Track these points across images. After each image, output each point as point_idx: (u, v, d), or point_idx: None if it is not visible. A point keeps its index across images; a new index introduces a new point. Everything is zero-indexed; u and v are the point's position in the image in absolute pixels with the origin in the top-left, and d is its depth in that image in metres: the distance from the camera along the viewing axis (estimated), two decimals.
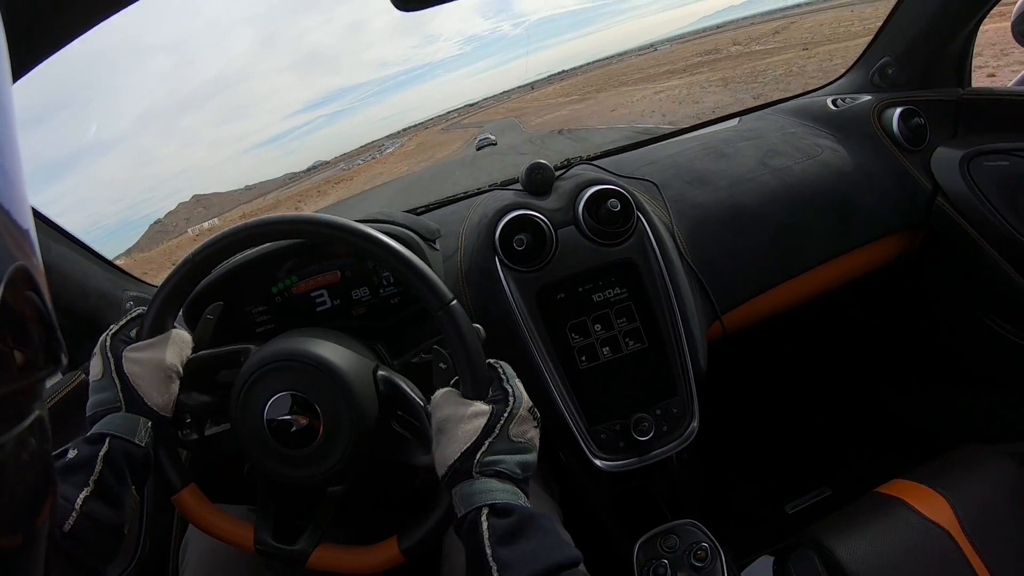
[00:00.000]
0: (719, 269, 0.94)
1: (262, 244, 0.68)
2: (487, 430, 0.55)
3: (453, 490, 0.53)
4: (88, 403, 0.60)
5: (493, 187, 1.17)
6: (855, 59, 1.25)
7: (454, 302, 0.60)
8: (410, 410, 0.64)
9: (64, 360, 0.26)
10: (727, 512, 1.25)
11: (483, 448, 0.54)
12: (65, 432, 0.86)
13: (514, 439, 0.56)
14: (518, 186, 1.00)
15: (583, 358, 0.86)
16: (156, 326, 0.63)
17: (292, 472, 0.62)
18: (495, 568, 0.47)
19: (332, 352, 0.63)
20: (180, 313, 0.82)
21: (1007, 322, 1.07)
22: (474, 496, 0.52)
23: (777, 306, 1.01)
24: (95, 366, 0.61)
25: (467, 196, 1.17)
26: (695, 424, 0.86)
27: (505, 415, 0.56)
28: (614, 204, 0.86)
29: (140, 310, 0.65)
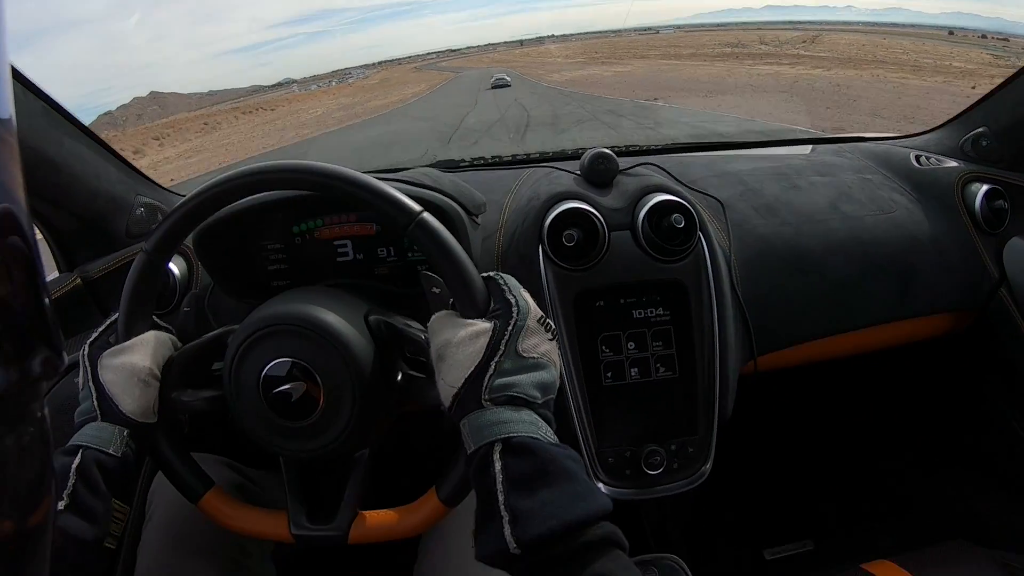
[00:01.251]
0: (768, 309, 0.88)
1: (219, 209, 0.61)
2: (492, 349, 0.47)
3: (461, 423, 0.47)
4: (75, 411, 0.57)
5: (545, 160, 1.09)
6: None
7: (424, 213, 0.54)
8: (413, 346, 0.58)
9: (65, 359, 0.24)
10: (705, 544, 1.22)
11: (490, 371, 0.47)
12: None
13: (524, 355, 0.48)
14: (575, 168, 0.93)
15: (609, 375, 0.80)
16: (128, 329, 0.59)
17: (295, 446, 0.57)
18: (507, 519, 0.41)
19: (324, 311, 0.57)
20: (193, 249, 0.76)
21: None
22: (485, 429, 0.45)
23: (813, 357, 0.95)
24: (80, 376, 0.58)
25: (516, 161, 1.09)
26: (708, 467, 0.81)
27: (510, 329, 0.48)
28: (678, 220, 0.79)
29: (115, 315, 0.60)
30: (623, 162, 0.91)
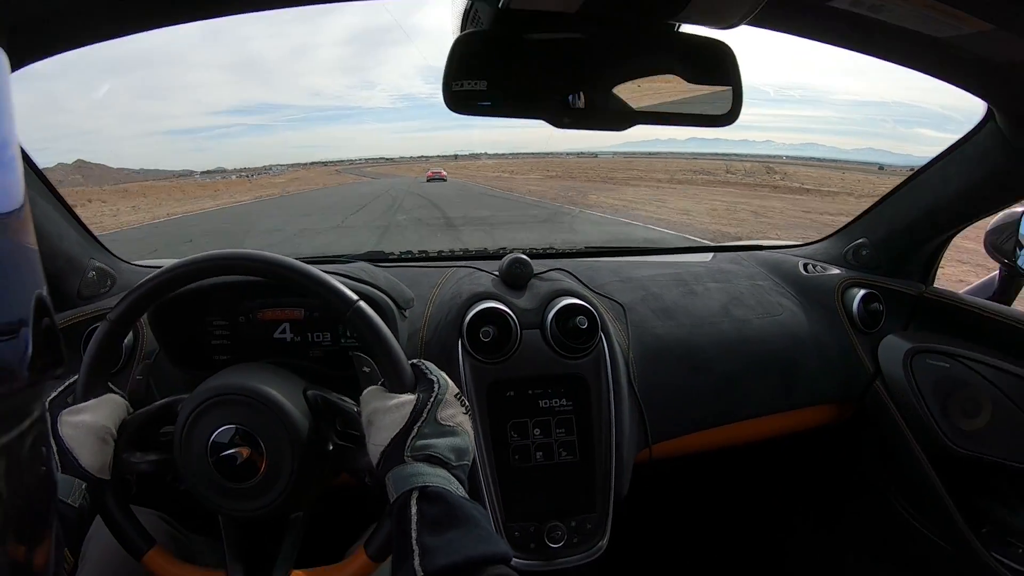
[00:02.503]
0: (661, 402, 0.99)
1: (178, 289, 0.68)
2: (415, 415, 0.57)
3: (387, 477, 0.55)
4: None
5: (469, 259, 1.21)
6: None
7: (360, 302, 0.63)
8: (345, 418, 0.67)
9: (64, 366, 0.27)
10: None
11: (413, 433, 0.56)
12: None
13: (442, 422, 0.58)
14: (495, 270, 1.04)
15: (516, 457, 0.90)
16: (87, 391, 0.65)
17: (237, 505, 0.63)
18: (417, 552, 0.48)
19: (268, 384, 0.65)
20: (149, 321, 0.83)
21: (914, 508, 1.13)
22: (405, 480, 0.53)
23: (705, 445, 1.06)
24: None
25: (441, 258, 1.22)
26: (604, 542, 0.90)
27: (432, 400, 0.58)
28: (582, 321, 0.91)
29: (74, 377, 0.66)
30: (539, 265, 1.03)
